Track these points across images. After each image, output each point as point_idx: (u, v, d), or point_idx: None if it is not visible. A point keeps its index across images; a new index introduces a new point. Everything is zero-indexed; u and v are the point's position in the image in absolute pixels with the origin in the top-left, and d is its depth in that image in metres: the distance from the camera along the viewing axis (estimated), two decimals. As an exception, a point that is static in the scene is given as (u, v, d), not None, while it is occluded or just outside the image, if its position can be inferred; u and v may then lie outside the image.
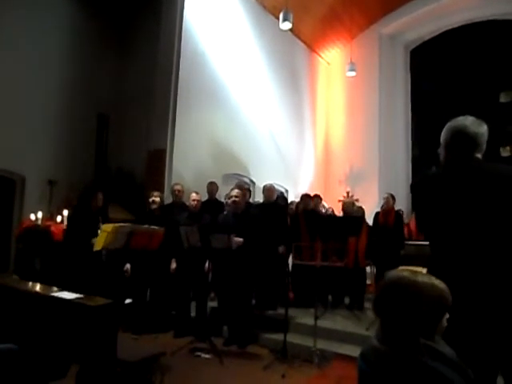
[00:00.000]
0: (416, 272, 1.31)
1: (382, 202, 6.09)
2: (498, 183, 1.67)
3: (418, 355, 1.18)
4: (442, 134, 1.90)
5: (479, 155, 1.81)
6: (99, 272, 4.26)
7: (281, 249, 5.21)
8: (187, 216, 4.76)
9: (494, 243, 1.64)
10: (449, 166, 1.85)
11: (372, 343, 1.29)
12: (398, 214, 6.10)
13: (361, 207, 5.95)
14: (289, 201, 7.51)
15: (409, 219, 7.97)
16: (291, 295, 5.43)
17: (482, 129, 1.82)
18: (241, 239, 4.26)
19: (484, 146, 1.83)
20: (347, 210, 5.88)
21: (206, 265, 4.59)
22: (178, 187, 5.49)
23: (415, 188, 1.97)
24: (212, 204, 5.67)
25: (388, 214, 5.83)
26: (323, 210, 6.72)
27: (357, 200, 8.28)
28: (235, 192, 4.56)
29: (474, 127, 1.81)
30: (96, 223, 4.42)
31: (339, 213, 6.83)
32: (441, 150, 1.92)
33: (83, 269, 4.18)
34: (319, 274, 4.26)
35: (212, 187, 6.02)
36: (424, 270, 1.50)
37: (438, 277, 1.31)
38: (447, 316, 1.27)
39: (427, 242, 1.93)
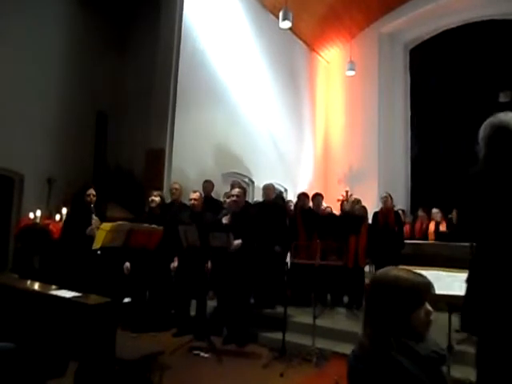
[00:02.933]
0: (394, 268, 1.34)
1: (380, 202, 6.10)
2: None
3: (386, 348, 1.21)
4: (482, 130, 1.86)
5: None
6: (98, 270, 4.26)
7: (277, 248, 5.20)
8: (190, 215, 4.76)
9: None
10: (492, 163, 1.79)
11: (360, 338, 1.34)
12: (397, 213, 6.11)
13: (364, 207, 5.95)
14: (287, 200, 7.53)
15: (409, 218, 7.99)
16: (290, 294, 5.43)
17: None
18: (239, 241, 4.26)
19: None
20: (349, 209, 5.88)
21: (208, 265, 4.59)
22: (175, 185, 5.49)
23: (461, 187, 1.90)
24: (208, 202, 5.66)
25: (388, 214, 5.83)
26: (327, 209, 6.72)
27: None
28: (236, 191, 4.60)
29: None
30: (89, 217, 4.42)
31: (338, 212, 6.84)
32: (480, 147, 1.86)
33: (82, 267, 4.18)
34: (318, 273, 4.26)
35: (208, 186, 6.01)
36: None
37: (483, 278, 1.32)
38: (426, 310, 1.26)
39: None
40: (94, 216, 4.40)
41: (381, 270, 1.36)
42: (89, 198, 4.54)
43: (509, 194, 1.67)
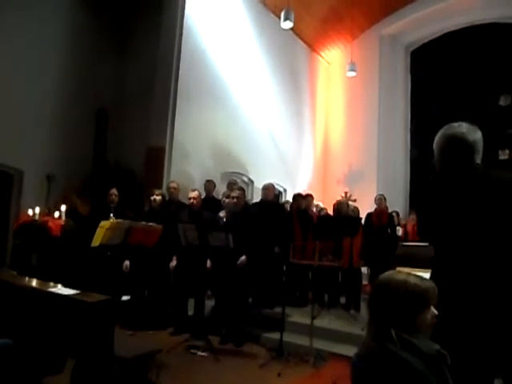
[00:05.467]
0: (400, 272, 1.39)
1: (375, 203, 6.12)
2: (502, 190, 1.67)
3: (390, 345, 1.24)
4: (437, 141, 1.89)
5: (478, 161, 1.81)
6: (97, 268, 4.26)
7: (277, 249, 5.21)
8: (188, 214, 4.76)
9: (495, 249, 1.65)
10: (449, 173, 1.84)
11: (364, 338, 1.39)
12: (391, 215, 6.13)
13: (356, 208, 5.97)
14: (285, 200, 7.54)
15: (406, 220, 8.00)
16: (288, 294, 5.43)
17: (478, 135, 1.82)
18: (244, 258, 4.29)
19: (481, 152, 1.83)
20: (341, 210, 5.88)
21: (208, 264, 4.60)
22: (173, 185, 5.49)
23: (420, 194, 1.97)
24: (209, 202, 5.67)
25: (381, 214, 5.85)
26: (314, 210, 6.74)
27: (354, 200, 8.30)
28: (236, 193, 4.64)
29: (470, 134, 1.81)
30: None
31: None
32: (436, 158, 1.90)
33: (81, 265, 4.18)
34: (316, 274, 4.27)
35: (209, 185, 6.02)
36: (417, 272, 1.52)
37: (442, 281, 1.38)
38: (432, 313, 1.31)
39: (422, 244, 1.95)
40: (111, 216, 4.44)
41: (386, 274, 1.40)
42: (111, 198, 4.59)
43: (465, 202, 1.73)
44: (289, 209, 6.21)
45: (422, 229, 1.99)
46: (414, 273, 1.38)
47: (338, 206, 5.96)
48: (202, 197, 5.70)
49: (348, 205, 6.05)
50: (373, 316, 1.36)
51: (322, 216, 6.39)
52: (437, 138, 1.91)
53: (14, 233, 5.93)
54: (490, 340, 1.59)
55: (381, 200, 5.97)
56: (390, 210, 6.39)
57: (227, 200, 5.00)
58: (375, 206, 6.12)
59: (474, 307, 1.61)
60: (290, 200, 6.93)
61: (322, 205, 7.30)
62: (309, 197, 6.22)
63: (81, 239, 4.25)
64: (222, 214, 4.53)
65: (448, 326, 1.57)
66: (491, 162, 1.89)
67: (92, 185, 6.79)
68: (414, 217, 7.13)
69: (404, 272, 1.39)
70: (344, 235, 5.54)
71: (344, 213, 5.83)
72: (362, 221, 5.90)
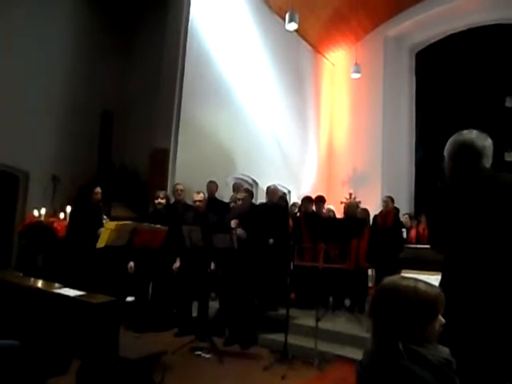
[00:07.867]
0: (406, 278, 1.31)
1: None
2: (506, 192, 1.67)
3: (397, 357, 1.18)
4: (447, 147, 1.90)
5: (487, 166, 1.81)
6: (102, 269, 4.28)
7: (271, 241, 5.11)
8: (193, 216, 4.76)
9: (505, 252, 1.64)
10: (458, 178, 1.84)
11: (368, 346, 1.32)
12: (397, 216, 6.10)
13: (365, 209, 5.94)
14: (291, 202, 7.52)
15: (411, 223, 7.96)
16: (293, 296, 5.42)
17: (488, 142, 1.83)
18: (243, 231, 4.28)
19: (491, 159, 1.83)
20: (350, 212, 5.87)
21: (212, 265, 4.60)
22: (179, 187, 5.51)
23: (428, 200, 1.97)
24: (212, 203, 5.66)
25: (386, 216, 5.83)
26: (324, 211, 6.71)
27: (359, 202, 8.28)
28: (242, 195, 4.68)
29: (480, 141, 1.81)
30: (98, 216, 4.48)
31: (341, 215, 6.83)
32: (446, 164, 1.92)
33: (86, 266, 4.19)
34: (321, 276, 4.25)
35: (212, 186, 6.01)
36: (422, 275, 1.50)
37: (453, 287, 1.35)
38: (440, 322, 1.26)
39: (427, 246, 1.94)
40: (105, 217, 4.47)
41: (391, 279, 1.32)
42: (96, 197, 4.59)
43: (472, 206, 1.73)
44: (297, 211, 6.19)
45: (433, 237, 1.96)
46: (418, 277, 1.33)
47: (348, 208, 5.95)
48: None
49: (358, 206, 6.00)
50: (377, 325, 1.28)
51: (326, 218, 6.36)
52: (447, 144, 1.92)
53: (20, 234, 5.96)
54: (503, 347, 1.57)
55: (387, 202, 5.95)
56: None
57: (233, 204, 5.02)
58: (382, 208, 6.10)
59: (485, 313, 1.59)
60: (297, 201, 6.92)
61: (332, 207, 7.26)
62: (320, 199, 6.12)
63: (86, 240, 4.26)
64: (233, 223, 4.52)
65: (461, 333, 1.55)
66: (497, 164, 1.88)
67: (97, 186, 6.81)
68: (422, 219, 7.11)
69: (410, 278, 1.31)
70: (349, 237, 5.53)
71: (351, 215, 5.81)
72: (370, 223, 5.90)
